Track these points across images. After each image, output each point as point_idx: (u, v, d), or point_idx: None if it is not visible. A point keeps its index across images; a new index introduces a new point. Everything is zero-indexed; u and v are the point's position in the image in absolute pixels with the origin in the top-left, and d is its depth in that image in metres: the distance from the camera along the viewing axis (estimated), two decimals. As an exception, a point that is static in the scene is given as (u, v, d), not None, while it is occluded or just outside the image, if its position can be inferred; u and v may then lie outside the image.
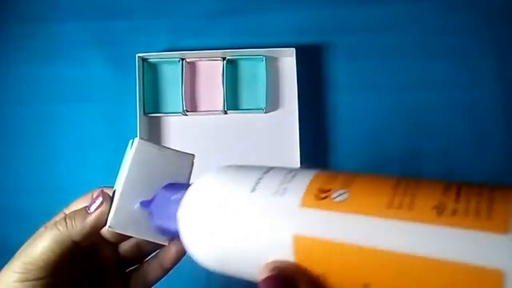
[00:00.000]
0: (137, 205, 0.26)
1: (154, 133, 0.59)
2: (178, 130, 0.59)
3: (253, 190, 0.20)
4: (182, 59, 0.57)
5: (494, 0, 0.59)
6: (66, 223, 0.26)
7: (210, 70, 0.58)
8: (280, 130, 0.59)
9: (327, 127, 0.59)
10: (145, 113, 0.57)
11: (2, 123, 0.59)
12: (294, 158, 0.56)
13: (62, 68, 0.59)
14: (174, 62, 0.57)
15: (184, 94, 0.56)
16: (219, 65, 0.57)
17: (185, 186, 0.24)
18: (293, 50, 0.56)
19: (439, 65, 0.59)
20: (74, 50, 0.59)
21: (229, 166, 0.23)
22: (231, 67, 0.58)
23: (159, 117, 0.59)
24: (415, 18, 0.59)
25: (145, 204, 0.26)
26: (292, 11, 0.59)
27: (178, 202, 0.22)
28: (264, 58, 0.57)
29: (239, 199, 0.20)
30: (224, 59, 0.57)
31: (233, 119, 0.59)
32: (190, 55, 0.57)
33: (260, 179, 0.20)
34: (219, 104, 0.57)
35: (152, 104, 0.58)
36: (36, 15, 0.59)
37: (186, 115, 0.58)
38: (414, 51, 0.59)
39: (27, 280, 0.25)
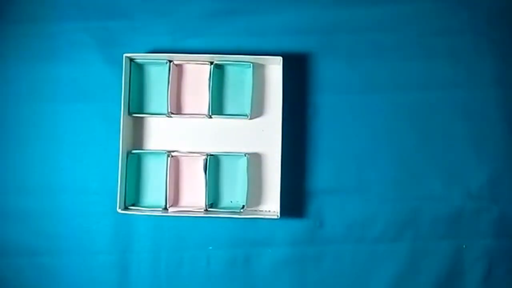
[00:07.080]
0: None
1: (137, 133, 0.59)
2: (162, 132, 0.59)
3: None
4: (170, 61, 0.57)
5: (494, 0, 0.58)
6: None
7: (197, 73, 0.58)
8: (263, 137, 0.58)
9: (310, 133, 0.59)
10: (129, 113, 0.57)
11: (0, 122, 0.60)
12: (275, 164, 0.55)
13: (60, 68, 0.60)
14: (162, 63, 0.57)
15: (170, 96, 0.56)
16: (206, 69, 0.57)
17: None
18: (280, 58, 0.56)
19: (439, 65, 0.58)
20: (72, 50, 0.60)
21: None
22: (218, 72, 0.58)
23: (143, 117, 0.59)
24: (414, 18, 0.59)
25: None
26: (292, 12, 0.60)
27: None
28: (251, 65, 0.57)
29: None
30: (211, 63, 0.57)
31: (218, 124, 0.59)
32: (178, 58, 0.57)
33: None
34: (204, 108, 0.57)
35: (137, 104, 0.58)
36: (35, 15, 0.61)
37: (171, 117, 0.58)
38: (414, 51, 0.58)
39: None
